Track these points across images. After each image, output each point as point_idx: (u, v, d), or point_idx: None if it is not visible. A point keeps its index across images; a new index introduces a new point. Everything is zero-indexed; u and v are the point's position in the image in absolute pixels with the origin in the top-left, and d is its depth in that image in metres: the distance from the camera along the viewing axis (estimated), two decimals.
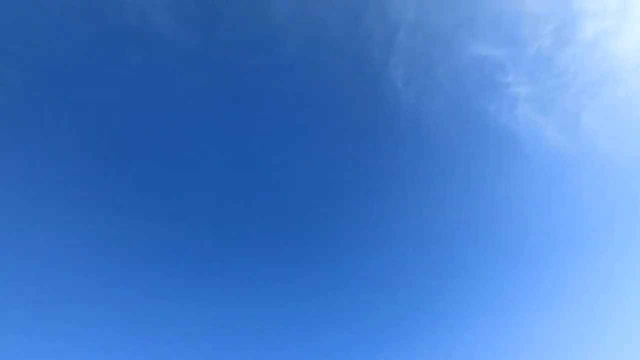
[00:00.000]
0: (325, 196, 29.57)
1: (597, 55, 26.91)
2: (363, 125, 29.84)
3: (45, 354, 23.36)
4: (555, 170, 31.91)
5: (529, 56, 27.00)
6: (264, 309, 28.79)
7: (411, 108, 29.74)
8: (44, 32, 22.59)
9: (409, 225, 31.80)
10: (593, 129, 30.53)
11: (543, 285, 31.35)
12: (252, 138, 28.78)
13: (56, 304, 24.62)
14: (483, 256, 32.27)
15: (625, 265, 32.28)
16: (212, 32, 26.19)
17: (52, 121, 23.46)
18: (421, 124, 30.21)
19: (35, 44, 22.77)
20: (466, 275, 31.59)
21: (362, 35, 26.36)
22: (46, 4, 22.37)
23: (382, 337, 30.04)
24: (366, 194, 30.85)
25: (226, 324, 27.84)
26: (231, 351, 27.16)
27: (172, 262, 27.61)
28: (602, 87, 28.29)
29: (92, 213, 25.49)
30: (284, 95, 27.62)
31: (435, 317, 30.89)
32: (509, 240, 32.59)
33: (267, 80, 27.41)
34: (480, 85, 28.86)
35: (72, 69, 23.80)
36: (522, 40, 26.21)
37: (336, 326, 29.30)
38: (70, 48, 23.30)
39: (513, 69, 27.85)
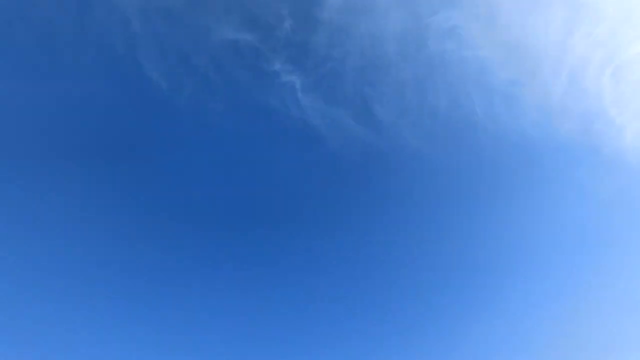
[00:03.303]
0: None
1: (357, 37, 24.18)
2: (133, 133, 27.19)
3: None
4: (363, 164, 28.71)
5: (281, 40, 24.50)
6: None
7: (186, 109, 27.20)
8: None
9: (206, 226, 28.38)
10: (390, 120, 27.40)
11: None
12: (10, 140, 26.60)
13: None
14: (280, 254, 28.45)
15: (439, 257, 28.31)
16: None
17: None
18: (204, 127, 27.52)
19: None
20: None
21: (96, 31, 24.41)
22: None
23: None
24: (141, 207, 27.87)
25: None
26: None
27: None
28: (377, 73, 25.43)
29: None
30: (21, 104, 25.34)
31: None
32: (321, 238, 28.87)
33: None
34: (250, 76, 26.35)
35: None
36: (265, 22, 23.81)
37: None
38: None
39: (274, 56, 25.33)
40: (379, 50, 24.30)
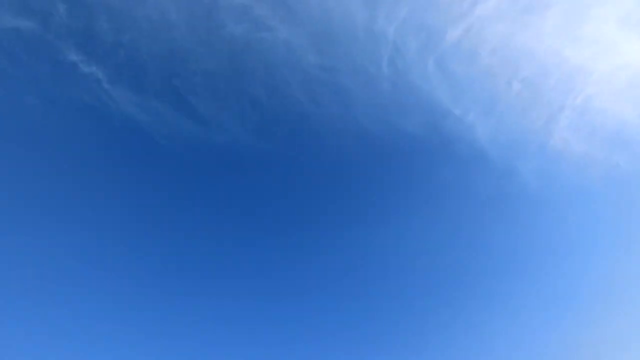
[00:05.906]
0: None
1: (140, 21, 20.14)
2: None
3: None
4: (196, 161, 26.14)
5: (63, 27, 21.06)
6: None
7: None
8: None
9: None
10: (211, 113, 24.10)
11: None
12: None
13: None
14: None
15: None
16: None
17: None
18: (20, 124, 25.40)
19: None
20: None
21: None
22: None
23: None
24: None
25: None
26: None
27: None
28: (179, 61, 21.64)
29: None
30: None
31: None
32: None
33: None
34: (49, 68, 23.45)
35: None
36: (37, 6, 20.28)
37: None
38: None
39: (63, 45, 22.05)
40: (170, 35, 20.25)
